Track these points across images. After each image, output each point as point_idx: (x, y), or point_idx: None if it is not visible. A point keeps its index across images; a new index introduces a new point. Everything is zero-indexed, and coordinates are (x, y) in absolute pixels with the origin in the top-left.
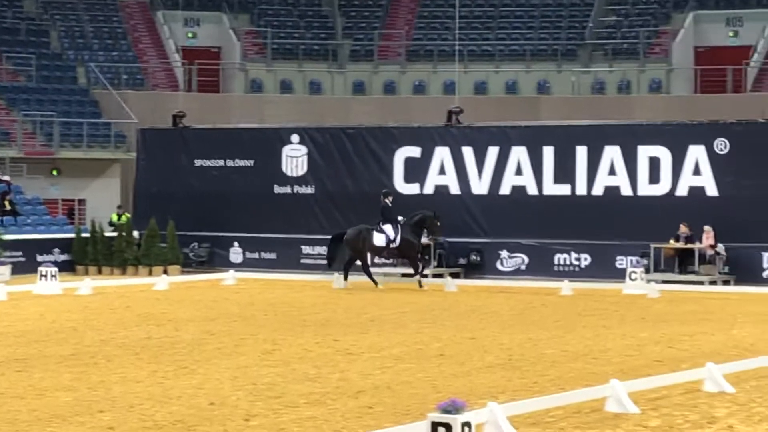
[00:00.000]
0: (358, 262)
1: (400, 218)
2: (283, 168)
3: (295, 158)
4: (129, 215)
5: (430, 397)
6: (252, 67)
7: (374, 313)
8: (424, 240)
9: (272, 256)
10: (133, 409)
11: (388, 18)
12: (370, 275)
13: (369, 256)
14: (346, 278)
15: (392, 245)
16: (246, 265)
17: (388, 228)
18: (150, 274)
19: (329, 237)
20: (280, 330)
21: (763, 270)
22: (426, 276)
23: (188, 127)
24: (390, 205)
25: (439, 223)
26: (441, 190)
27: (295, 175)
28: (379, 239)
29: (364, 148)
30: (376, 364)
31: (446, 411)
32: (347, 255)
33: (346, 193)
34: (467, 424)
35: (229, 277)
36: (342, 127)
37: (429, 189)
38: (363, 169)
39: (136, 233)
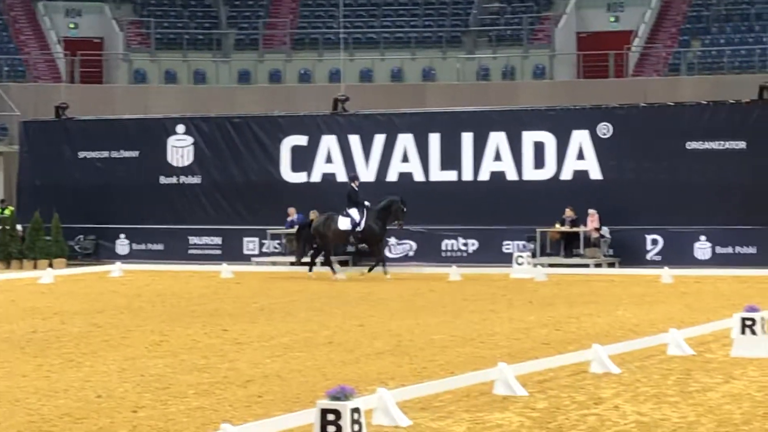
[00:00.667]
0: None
1: (367, 203)
2: (169, 158)
3: (180, 148)
4: (12, 208)
5: (320, 385)
6: (135, 58)
7: (263, 302)
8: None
9: (159, 247)
10: (19, 403)
11: (273, 7)
12: (330, 264)
13: (334, 241)
14: (311, 268)
15: (357, 229)
16: (133, 256)
17: (353, 212)
18: (35, 267)
19: (296, 229)
20: (168, 321)
21: (647, 252)
22: (380, 265)
23: (71, 119)
24: (357, 189)
25: (405, 209)
26: (328, 178)
27: (180, 165)
28: (344, 223)
29: (251, 138)
30: (266, 353)
31: (335, 398)
32: (314, 243)
33: (232, 182)
34: (356, 410)
35: (116, 269)
36: (228, 117)
37: (316, 177)
38: (249, 158)
39: (19, 227)
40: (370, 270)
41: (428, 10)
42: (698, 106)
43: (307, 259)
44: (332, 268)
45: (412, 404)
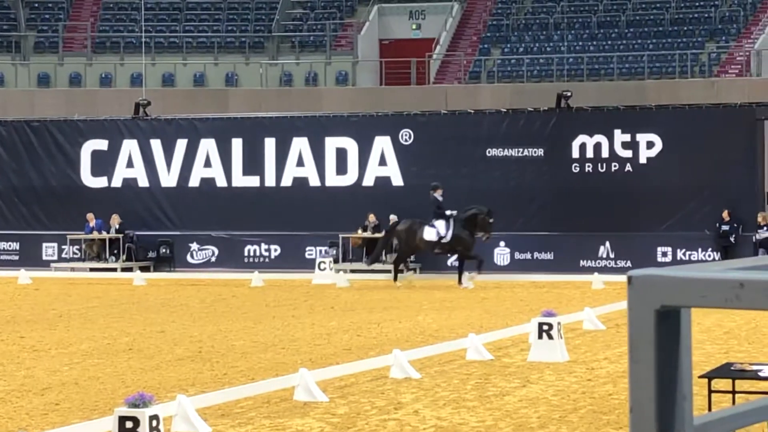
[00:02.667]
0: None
1: (450, 212)
2: None
3: None
4: None
5: (119, 392)
6: None
7: (62, 308)
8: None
9: None
10: None
11: (73, 9)
12: (396, 269)
13: (418, 249)
14: (396, 278)
15: (443, 241)
16: None
17: (440, 224)
18: None
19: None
20: None
21: (448, 258)
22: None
23: None
24: (440, 199)
25: (492, 221)
26: (129, 183)
27: None
28: (429, 234)
29: (50, 142)
30: (64, 360)
31: (134, 405)
32: (396, 249)
33: (31, 187)
34: (155, 417)
35: None
36: (26, 120)
37: (117, 182)
38: (49, 162)
39: None
40: (479, 271)
41: (231, 15)
42: (498, 113)
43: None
44: (396, 275)
45: (212, 411)
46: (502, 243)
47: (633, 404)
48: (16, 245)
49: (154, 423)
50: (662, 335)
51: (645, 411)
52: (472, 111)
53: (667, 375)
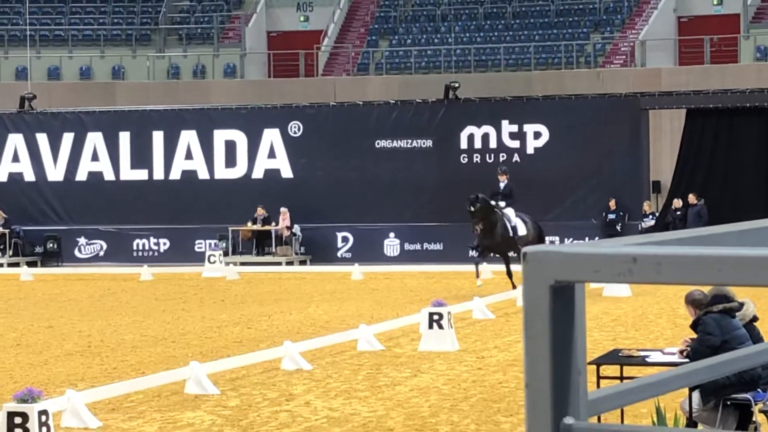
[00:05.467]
0: None
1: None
2: None
3: None
4: None
5: (7, 388)
6: None
7: None
8: None
9: None
10: None
11: None
12: None
13: None
14: None
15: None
16: None
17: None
18: None
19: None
20: None
21: (338, 249)
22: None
23: None
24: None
25: (471, 209)
26: (15, 178)
27: None
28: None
29: None
30: None
31: (22, 401)
32: None
33: None
34: (44, 412)
35: None
36: None
37: (2, 177)
38: None
39: None
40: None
41: (117, 7)
42: (386, 105)
43: None
44: None
45: (102, 405)
46: (391, 234)
47: (528, 379)
48: None
49: (44, 418)
50: (556, 310)
51: (540, 385)
52: (361, 103)
53: (561, 350)
